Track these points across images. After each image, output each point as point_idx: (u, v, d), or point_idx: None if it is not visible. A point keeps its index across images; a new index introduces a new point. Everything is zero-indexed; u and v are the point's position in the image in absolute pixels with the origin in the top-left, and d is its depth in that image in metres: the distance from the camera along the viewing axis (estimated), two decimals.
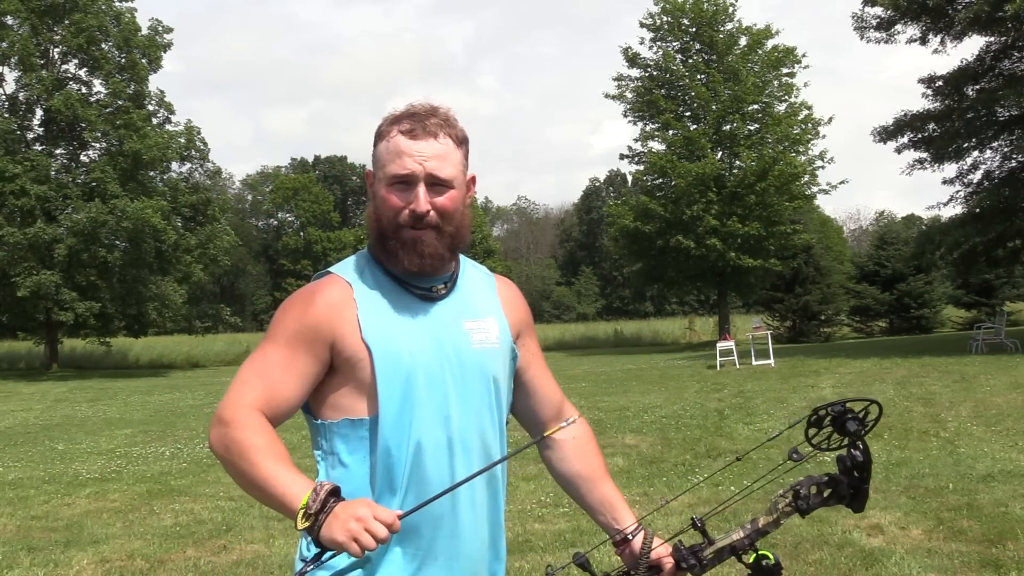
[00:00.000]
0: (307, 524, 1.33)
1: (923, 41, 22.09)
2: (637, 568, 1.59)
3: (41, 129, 27.44)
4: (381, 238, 1.59)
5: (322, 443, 1.59)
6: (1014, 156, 22.02)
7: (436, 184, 1.57)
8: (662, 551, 1.63)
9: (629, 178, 53.52)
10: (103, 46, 26.60)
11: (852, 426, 1.45)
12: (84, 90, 27.34)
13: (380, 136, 1.61)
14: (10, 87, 26.96)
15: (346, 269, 1.62)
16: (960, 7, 20.26)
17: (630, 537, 1.69)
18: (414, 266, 1.57)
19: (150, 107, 27.91)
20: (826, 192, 32.81)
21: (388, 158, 1.57)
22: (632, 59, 32.40)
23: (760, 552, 1.50)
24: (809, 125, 30.86)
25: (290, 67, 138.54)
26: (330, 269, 1.64)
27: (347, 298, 1.57)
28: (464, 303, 1.65)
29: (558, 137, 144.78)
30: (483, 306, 1.67)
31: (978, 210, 21.77)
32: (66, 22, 26.03)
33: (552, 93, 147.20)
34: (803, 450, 1.50)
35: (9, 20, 25.76)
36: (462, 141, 1.62)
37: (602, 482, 1.77)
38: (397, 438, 1.53)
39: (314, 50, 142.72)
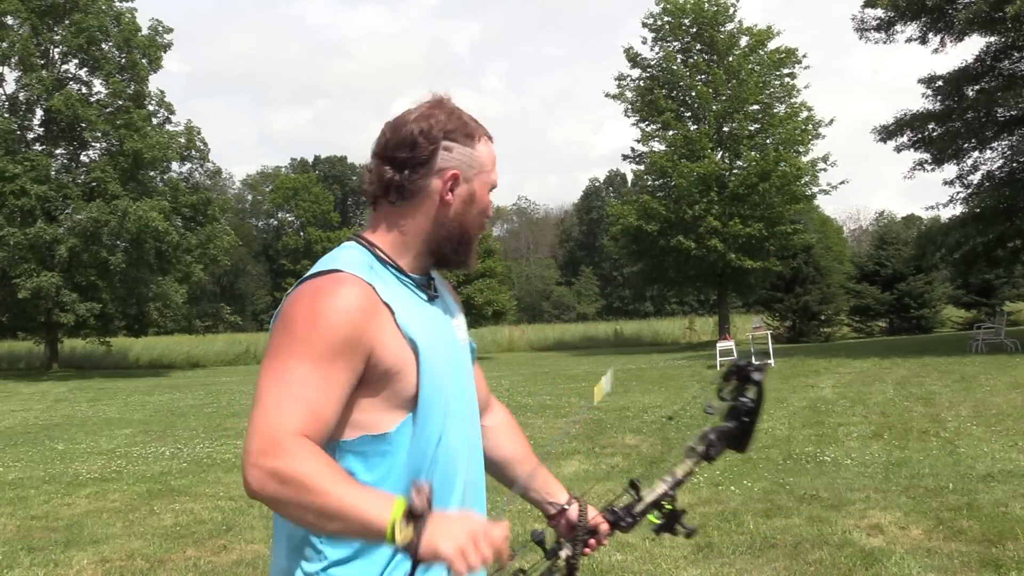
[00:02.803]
0: (410, 532, 1.20)
1: (923, 41, 22.12)
2: (575, 536, 1.65)
3: (41, 129, 27.44)
4: (462, 241, 1.56)
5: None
6: (1014, 157, 22.03)
7: None
8: (597, 518, 1.69)
9: (629, 178, 53.57)
10: (103, 46, 26.58)
11: (758, 376, 1.54)
12: (84, 90, 27.34)
13: (473, 137, 1.55)
14: (10, 87, 26.99)
15: (359, 268, 1.46)
16: (960, 7, 20.27)
17: (566, 507, 1.75)
18: (474, 266, 1.61)
19: (150, 107, 27.91)
20: (826, 192, 32.87)
21: (490, 165, 1.57)
22: (633, 59, 32.44)
23: (665, 505, 1.61)
24: (810, 126, 30.89)
25: (296, 68, 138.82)
26: (339, 267, 1.45)
27: (376, 302, 1.43)
28: (444, 302, 1.64)
29: (561, 137, 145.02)
30: (453, 303, 1.69)
31: (978, 211, 21.78)
32: (66, 22, 26.03)
33: (556, 94, 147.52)
34: (716, 404, 1.59)
35: (9, 20, 25.75)
36: None
37: (533, 461, 1.82)
38: (434, 447, 1.48)
39: (320, 51, 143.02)
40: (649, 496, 1.61)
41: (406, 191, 1.50)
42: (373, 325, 1.41)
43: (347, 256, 1.49)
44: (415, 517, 1.22)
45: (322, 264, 1.48)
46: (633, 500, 1.63)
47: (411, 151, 1.48)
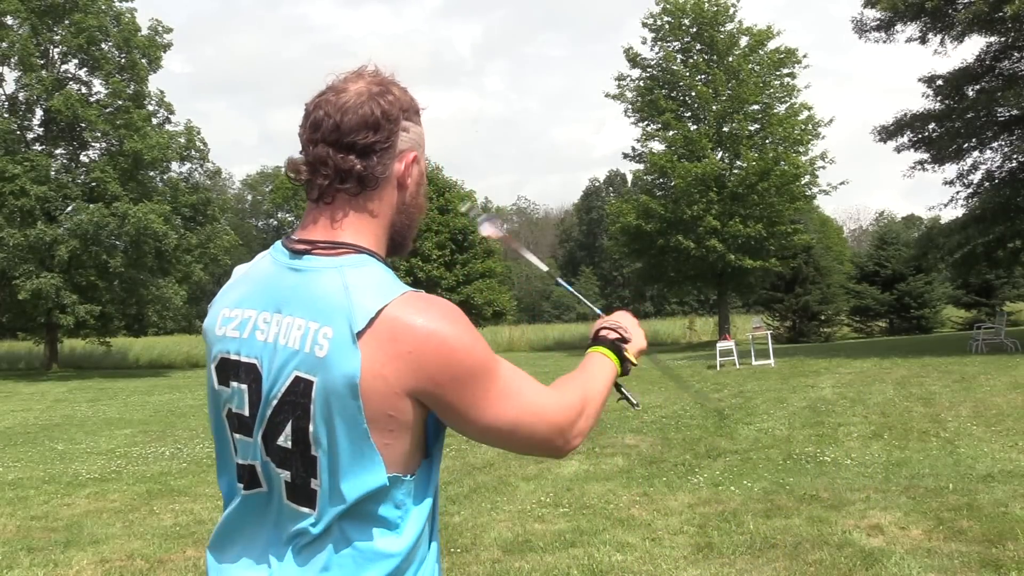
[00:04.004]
0: (621, 357, 1.62)
1: (923, 41, 22.13)
2: None
3: (41, 129, 27.44)
4: (415, 226, 1.46)
5: (397, 507, 1.32)
6: (1014, 156, 22.04)
7: None
8: None
9: (629, 178, 53.61)
10: (103, 46, 26.60)
11: None
12: (84, 90, 27.34)
13: (419, 113, 1.43)
14: (10, 87, 26.98)
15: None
16: (960, 7, 20.27)
17: None
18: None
19: (150, 107, 27.92)
20: (826, 193, 32.91)
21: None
22: (633, 59, 32.45)
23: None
24: (810, 126, 30.91)
25: (299, 68, 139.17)
26: (405, 287, 1.33)
27: None
28: None
29: (563, 138, 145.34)
30: None
31: (979, 211, 21.78)
32: (66, 22, 26.03)
33: (558, 95, 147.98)
34: None
35: (9, 20, 25.75)
36: None
37: None
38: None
39: (323, 51, 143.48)
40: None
41: (370, 179, 1.34)
42: None
43: (385, 271, 1.34)
44: (615, 348, 1.62)
45: (383, 286, 1.29)
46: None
47: (375, 134, 1.33)
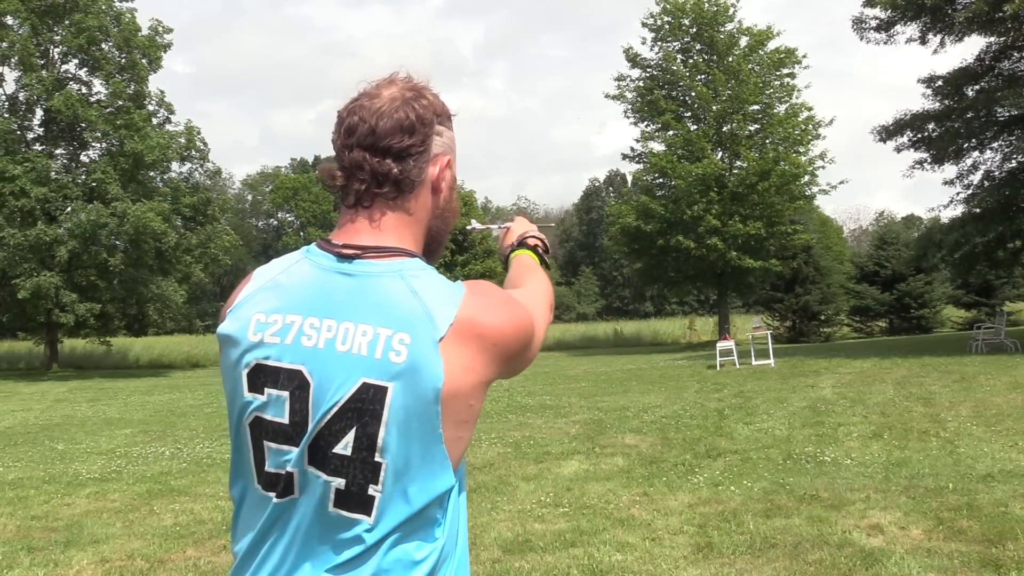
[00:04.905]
0: (536, 252, 1.79)
1: (922, 41, 22.13)
2: None
3: (41, 129, 27.45)
4: (448, 231, 1.47)
5: (443, 507, 1.32)
6: (1014, 156, 22.04)
7: None
8: None
9: (629, 178, 53.61)
10: (103, 46, 26.62)
11: None
12: (84, 90, 27.36)
13: (451, 118, 1.44)
14: (10, 87, 27.01)
15: None
16: (959, 7, 20.27)
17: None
18: None
19: (150, 107, 27.93)
20: (826, 192, 32.92)
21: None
22: (633, 59, 32.45)
23: None
24: (810, 126, 30.91)
25: (301, 69, 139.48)
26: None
27: None
28: None
29: (564, 138, 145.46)
30: None
31: (978, 211, 21.78)
32: (66, 22, 26.05)
33: (559, 95, 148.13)
34: None
35: (9, 20, 25.77)
36: None
37: None
38: None
39: (326, 52, 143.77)
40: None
41: (407, 183, 1.34)
42: None
43: (438, 273, 1.36)
44: (531, 246, 1.80)
45: (449, 290, 1.31)
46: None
47: (410, 138, 1.34)
